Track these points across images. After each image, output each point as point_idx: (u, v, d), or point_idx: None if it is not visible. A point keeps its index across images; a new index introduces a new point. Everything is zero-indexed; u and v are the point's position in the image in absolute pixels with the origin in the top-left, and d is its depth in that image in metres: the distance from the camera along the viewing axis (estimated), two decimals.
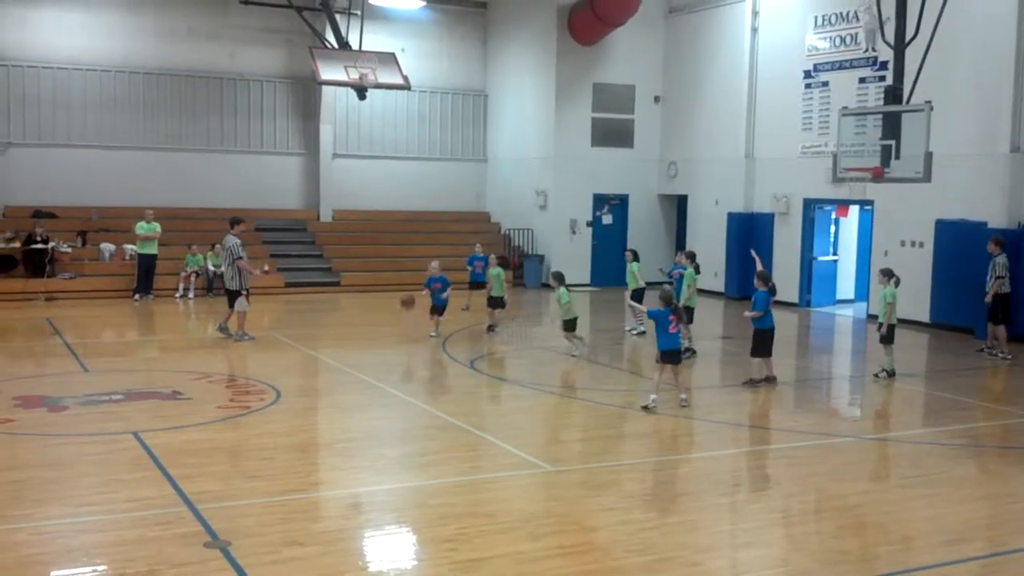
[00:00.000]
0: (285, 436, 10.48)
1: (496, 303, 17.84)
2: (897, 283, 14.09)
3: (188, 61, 25.49)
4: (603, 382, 14.19)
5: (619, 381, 14.40)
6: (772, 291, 13.48)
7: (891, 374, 14.13)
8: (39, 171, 23.99)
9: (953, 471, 9.76)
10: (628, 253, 18.51)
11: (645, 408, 11.61)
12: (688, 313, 14.88)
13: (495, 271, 18.11)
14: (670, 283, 16.65)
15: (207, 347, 15.97)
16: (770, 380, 13.23)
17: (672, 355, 11.84)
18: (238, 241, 16.33)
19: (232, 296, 16.31)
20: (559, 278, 15.74)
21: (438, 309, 17.24)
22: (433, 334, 16.94)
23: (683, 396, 11.92)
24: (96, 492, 8.30)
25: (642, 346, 16.78)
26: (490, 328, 17.73)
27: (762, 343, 13.20)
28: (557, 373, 14.75)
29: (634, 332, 17.78)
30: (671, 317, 11.67)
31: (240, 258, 16.22)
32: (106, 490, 8.36)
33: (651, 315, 11.93)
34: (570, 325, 15.58)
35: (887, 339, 14.10)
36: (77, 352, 15.32)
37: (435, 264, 17.66)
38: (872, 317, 20.37)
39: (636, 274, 17.54)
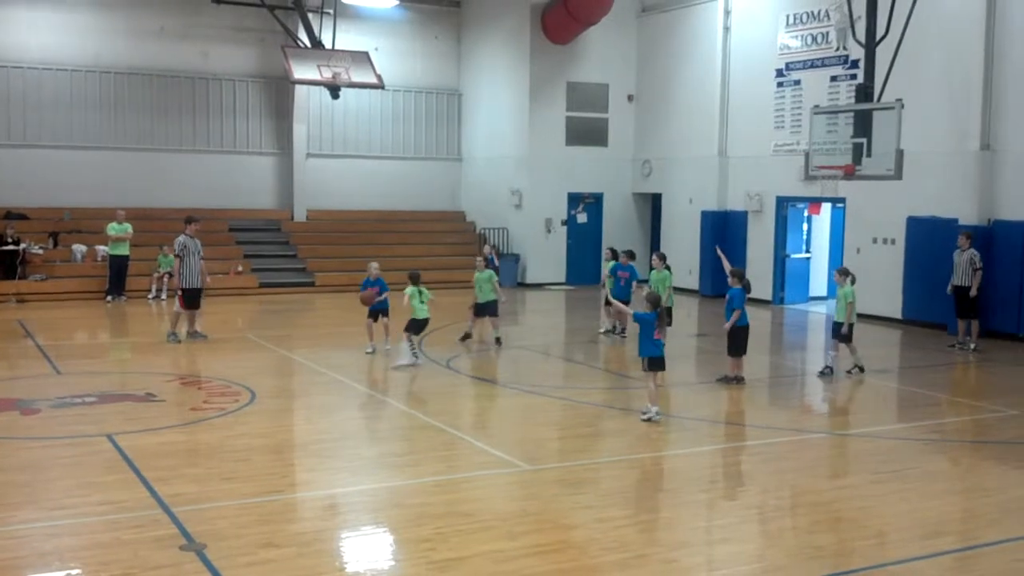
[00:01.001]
0: (261, 437, 10.43)
1: (485, 310, 16.38)
2: (853, 281, 14.18)
3: (160, 60, 25.33)
4: (579, 381, 14.21)
5: (594, 380, 14.43)
6: (747, 288, 13.55)
7: (862, 369, 14.25)
8: (10, 172, 23.77)
9: (926, 466, 9.85)
10: (607, 252, 18.30)
11: (648, 420, 11.07)
12: (667, 314, 14.80)
13: (484, 274, 16.49)
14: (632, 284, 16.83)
15: (181, 349, 15.87)
16: (739, 380, 13.29)
17: (657, 362, 11.29)
18: (180, 239, 16.27)
19: (191, 296, 16.26)
20: (414, 278, 14.72)
21: (376, 314, 15.55)
22: (369, 350, 15.34)
23: (654, 409, 11.14)
24: (70, 495, 8.24)
25: (615, 345, 16.82)
26: (498, 341, 16.26)
27: (739, 341, 13.26)
28: (534, 372, 14.77)
29: (606, 332, 17.68)
30: (656, 323, 11.10)
31: (178, 256, 16.23)
32: (80, 493, 8.30)
33: (636, 318, 11.31)
34: (417, 326, 14.61)
35: (848, 338, 14.13)
36: (49, 354, 15.20)
37: (374, 265, 15.97)
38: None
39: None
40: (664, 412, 11.47)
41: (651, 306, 11.14)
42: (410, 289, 14.54)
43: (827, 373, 14.21)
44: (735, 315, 13.14)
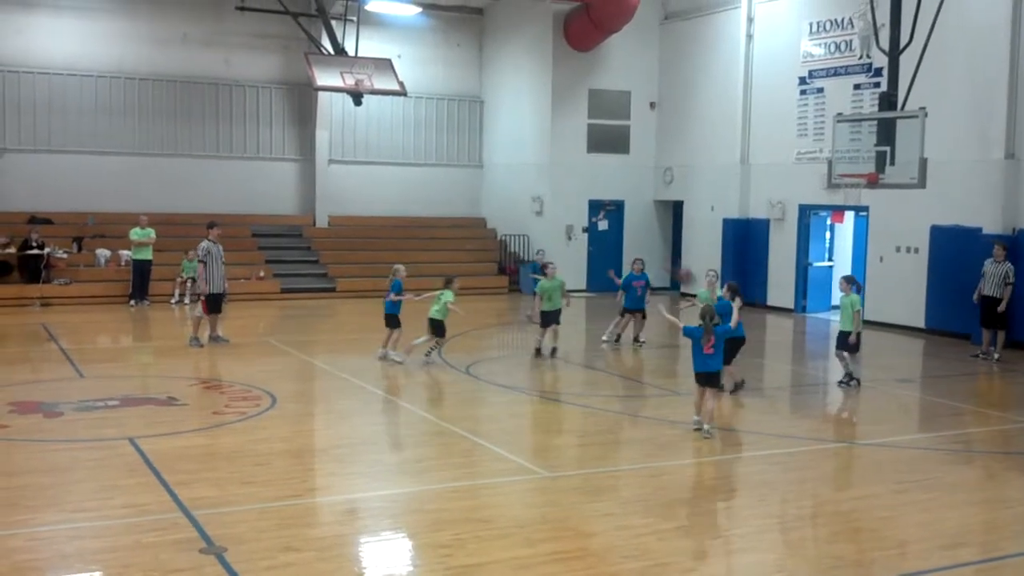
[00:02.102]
0: (281, 442, 10.47)
1: (552, 319, 15.87)
2: (859, 290, 14.04)
3: (183, 67, 25.50)
4: (599, 388, 14.19)
5: (614, 387, 14.40)
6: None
7: (859, 382, 13.93)
8: (35, 176, 23.99)
9: (948, 476, 9.77)
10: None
11: (698, 431, 10.88)
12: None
13: (556, 282, 16.02)
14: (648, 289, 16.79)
15: (203, 353, 15.95)
16: (737, 387, 13.05)
17: (705, 377, 10.88)
18: (204, 244, 16.33)
19: (214, 301, 16.33)
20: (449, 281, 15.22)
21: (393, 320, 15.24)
22: (399, 359, 14.88)
23: (706, 427, 10.86)
24: (91, 498, 8.29)
25: (621, 353, 16.79)
26: (554, 352, 15.84)
27: (733, 351, 12.87)
28: (554, 379, 14.76)
29: (607, 342, 17.22)
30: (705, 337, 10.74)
31: (201, 262, 16.28)
32: (101, 496, 8.35)
33: (687, 332, 11.05)
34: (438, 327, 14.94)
35: (856, 347, 13.89)
36: (73, 358, 15.31)
37: (400, 268, 15.81)
38: (871, 323, 20.38)
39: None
40: (678, 421, 11.43)
41: (702, 320, 10.81)
42: (448, 292, 15.00)
43: (848, 383, 13.93)
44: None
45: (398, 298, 15.29)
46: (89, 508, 8.04)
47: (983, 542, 8.00)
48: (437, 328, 14.99)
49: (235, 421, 11.22)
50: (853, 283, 14.08)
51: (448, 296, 14.97)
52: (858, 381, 13.93)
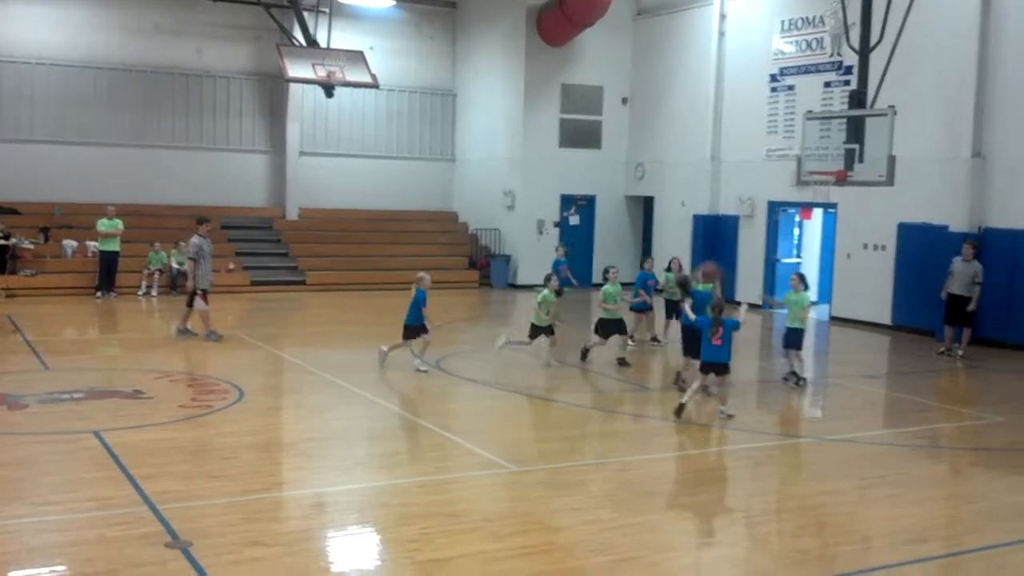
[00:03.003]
0: (248, 436, 10.42)
1: (616, 328, 14.85)
2: (807, 287, 13.98)
3: (154, 57, 25.29)
4: (568, 383, 14.20)
5: (583, 382, 14.43)
6: (685, 288, 13.20)
7: (806, 381, 13.87)
8: (1, 166, 23.70)
9: (912, 472, 9.88)
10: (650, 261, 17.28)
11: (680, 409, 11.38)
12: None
13: (607, 288, 14.90)
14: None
15: (169, 346, 15.85)
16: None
17: (713, 367, 11.39)
18: (195, 240, 16.20)
19: (192, 296, 16.22)
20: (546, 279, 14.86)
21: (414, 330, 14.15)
22: (422, 367, 14.04)
23: (723, 409, 11.48)
24: (56, 491, 8.22)
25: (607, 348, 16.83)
26: (622, 362, 14.75)
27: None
28: (523, 374, 14.76)
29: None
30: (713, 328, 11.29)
31: (192, 259, 16.12)
32: (66, 489, 8.28)
33: (697, 323, 11.67)
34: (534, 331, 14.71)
35: (800, 344, 13.83)
36: (38, 349, 15.16)
37: (425, 276, 14.50)
38: (838, 320, 20.61)
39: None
40: (648, 415, 11.48)
41: (711, 313, 11.40)
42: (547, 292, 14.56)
43: (794, 381, 13.68)
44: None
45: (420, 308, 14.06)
46: (53, 501, 7.97)
47: (947, 537, 8.09)
48: (615, 326, 14.62)
49: (202, 414, 11.16)
50: (803, 280, 14.03)
51: (610, 292, 14.58)
52: (805, 380, 13.85)
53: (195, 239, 16.20)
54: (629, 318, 15.82)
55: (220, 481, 8.70)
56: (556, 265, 18.43)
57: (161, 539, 7.14)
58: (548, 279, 14.94)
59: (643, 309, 16.58)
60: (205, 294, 16.13)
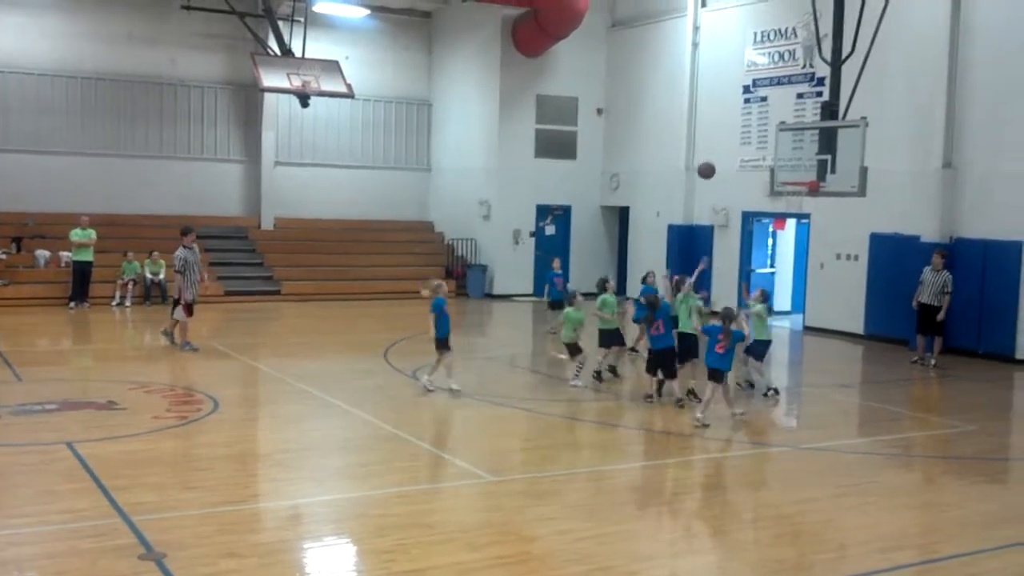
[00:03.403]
0: (223, 447, 10.37)
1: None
2: (764, 301, 13.89)
3: (128, 66, 25.16)
4: (544, 392, 14.22)
5: (559, 392, 14.43)
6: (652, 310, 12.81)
7: (751, 385, 13.89)
8: None
9: (887, 480, 9.95)
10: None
11: (698, 422, 11.57)
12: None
13: (606, 298, 14.24)
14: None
15: (144, 356, 15.76)
16: (650, 397, 12.95)
17: (715, 374, 11.60)
18: (179, 252, 16.10)
19: (175, 305, 16.16)
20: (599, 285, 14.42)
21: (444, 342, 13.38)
22: (455, 386, 13.25)
23: (738, 413, 11.97)
24: (29, 503, 8.15)
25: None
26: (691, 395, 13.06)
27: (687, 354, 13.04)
28: (499, 383, 14.76)
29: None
30: (719, 336, 11.50)
31: (179, 272, 16.04)
32: (39, 501, 8.21)
33: (705, 330, 12.00)
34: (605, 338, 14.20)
35: (762, 355, 13.81)
36: (10, 360, 15.01)
37: (439, 283, 13.75)
38: (812, 329, 20.73)
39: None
40: (624, 425, 11.50)
41: (723, 320, 11.65)
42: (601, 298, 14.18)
43: (771, 394, 13.67)
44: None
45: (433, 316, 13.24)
46: (26, 513, 7.90)
47: (921, 545, 8.14)
48: (613, 338, 14.13)
49: (176, 425, 11.09)
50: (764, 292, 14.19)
51: (610, 301, 14.10)
52: (776, 391, 13.81)
53: (179, 251, 16.11)
54: (632, 330, 15.64)
55: (195, 492, 8.65)
56: (552, 276, 18.70)
57: (135, 551, 7.09)
58: (603, 286, 14.41)
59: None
60: (189, 306, 16.04)
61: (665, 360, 12.68)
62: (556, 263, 19.64)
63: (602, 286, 14.68)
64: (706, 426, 11.48)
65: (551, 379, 14.91)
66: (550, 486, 9.35)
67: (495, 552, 7.40)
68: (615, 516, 8.52)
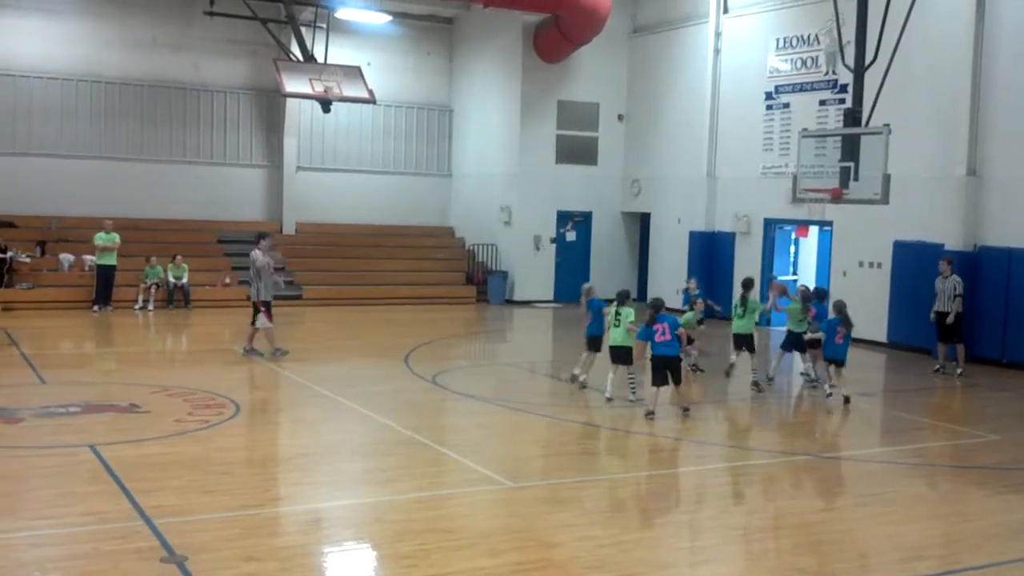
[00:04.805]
0: (244, 450, 10.41)
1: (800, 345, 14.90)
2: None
3: (151, 71, 25.33)
4: (564, 399, 14.20)
5: (579, 398, 14.40)
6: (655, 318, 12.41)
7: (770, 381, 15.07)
8: None
9: (909, 490, 9.88)
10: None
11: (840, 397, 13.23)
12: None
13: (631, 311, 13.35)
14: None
15: (166, 360, 15.85)
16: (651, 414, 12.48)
17: (836, 362, 13.69)
18: (255, 255, 16.10)
19: (256, 313, 16.13)
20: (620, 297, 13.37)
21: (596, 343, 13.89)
22: (583, 378, 13.94)
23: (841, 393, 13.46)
24: (51, 505, 8.20)
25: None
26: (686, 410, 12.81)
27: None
28: (520, 389, 14.75)
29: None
30: (838, 328, 13.49)
31: (258, 274, 16.06)
32: (61, 503, 8.26)
33: (824, 326, 13.78)
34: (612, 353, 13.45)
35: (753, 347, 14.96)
36: (34, 363, 15.13)
37: (590, 286, 14.25)
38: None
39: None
40: (643, 432, 11.47)
41: (837, 312, 13.55)
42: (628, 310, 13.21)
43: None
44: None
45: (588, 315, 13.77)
46: (49, 515, 7.95)
47: (942, 555, 8.09)
48: (625, 355, 13.14)
49: (198, 429, 11.14)
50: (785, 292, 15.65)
51: (628, 315, 13.09)
52: (770, 379, 15.00)
53: (253, 253, 16.13)
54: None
55: (216, 496, 8.69)
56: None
57: (157, 554, 7.13)
58: (625, 298, 13.45)
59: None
60: (268, 308, 16.04)
61: (671, 367, 12.35)
62: (692, 284, 17.73)
63: (626, 298, 13.46)
64: (847, 400, 13.21)
65: (571, 385, 14.69)
66: (570, 492, 9.33)
67: (515, 558, 7.39)
68: (636, 523, 8.51)
